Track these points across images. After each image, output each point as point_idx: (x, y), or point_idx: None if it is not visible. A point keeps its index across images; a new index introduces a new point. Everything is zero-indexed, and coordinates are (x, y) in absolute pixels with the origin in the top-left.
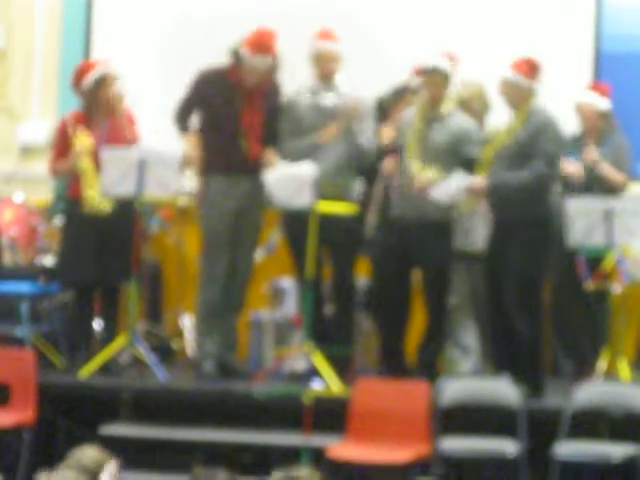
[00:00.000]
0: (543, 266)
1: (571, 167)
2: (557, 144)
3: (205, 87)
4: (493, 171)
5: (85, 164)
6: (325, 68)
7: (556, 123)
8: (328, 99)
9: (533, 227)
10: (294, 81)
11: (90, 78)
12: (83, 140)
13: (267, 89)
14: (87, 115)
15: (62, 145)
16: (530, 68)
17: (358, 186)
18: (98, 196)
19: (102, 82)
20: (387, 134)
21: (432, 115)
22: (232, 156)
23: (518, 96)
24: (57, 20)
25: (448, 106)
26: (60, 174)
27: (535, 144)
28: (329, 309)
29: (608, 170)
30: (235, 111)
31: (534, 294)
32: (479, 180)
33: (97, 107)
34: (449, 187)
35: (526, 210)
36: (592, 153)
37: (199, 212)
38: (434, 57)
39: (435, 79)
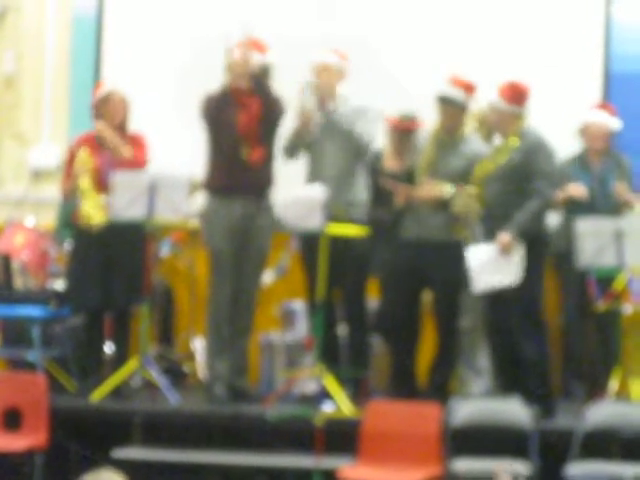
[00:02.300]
0: (541, 285)
1: (575, 190)
2: (552, 163)
3: (207, 109)
4: (488, 192)
5: (82, 182)
6: (323, 80)
7: (547, 143)
8: (332, 113)
9: (529, 247)
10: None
11: (97, 97)
12: (82, 158)
13: (265, 101)
14: (97, 137)
15: (70, 166)
16: (514, 93)
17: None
18: (92, 211)
19: (107, 100)
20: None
21: (446, 140)
22: (234, 173)
23: (502, 121)
24: (67, 45)
25: (462, 131)
26: (69, 194)
27: (530, 164)
28: (342, 330)
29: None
30: (231, 119)
31: (536, 314)
32: (504, 237)
33: (111, 124)
34: (492, 279)
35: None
36: (623, 190)
37: (203, 232)
38: (449, 87)
39: (449, 109)
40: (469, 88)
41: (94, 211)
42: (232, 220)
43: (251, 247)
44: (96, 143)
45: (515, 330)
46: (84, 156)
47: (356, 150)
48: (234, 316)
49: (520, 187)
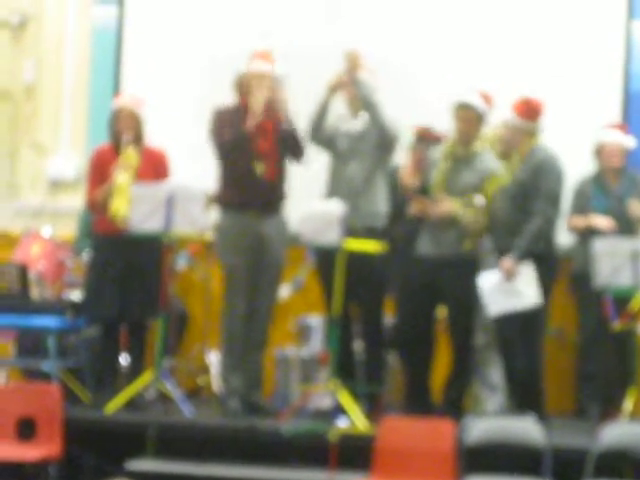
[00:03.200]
0: (546, 302)
1: (603, 223)
2: (557, 182)
3: (219, 123)
4: (494, 210)
5: (122, 177)
6: (349, 92)
7: (555, 161)
8: (355, 125)
9: (538, 264)
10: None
11: (112, 109)
12: (129, 154)
13: (276, 116)
14: (113, 148)
15: (98, 175)
16: (528, 108)
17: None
18: (122, 207)
19: (118, 114)
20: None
21: (461, 154)
22: (248, 189)
23: (515, 137)
24: (86, 54)
25: (477, 145)
26: (98, 204)
27: (536, 183)
28: (358, 346)
29: None
30: (247, 138)
31: (533, 330)
32: (506, 263)
33: (119, 140)
34: (507, 303)
35: (531, 248)
36: (637, 207)
37: (216, 247)
38: (468, 93)
39: (467, 115)
40: (488, 99)
41: (124, 208)
42: (246, 235)
43: (265, 262)
44: (112, 155)
45: (509, 344)
46: (131, 153)
47: (385, 144)
48: (249, 331)
49: (525, 205)
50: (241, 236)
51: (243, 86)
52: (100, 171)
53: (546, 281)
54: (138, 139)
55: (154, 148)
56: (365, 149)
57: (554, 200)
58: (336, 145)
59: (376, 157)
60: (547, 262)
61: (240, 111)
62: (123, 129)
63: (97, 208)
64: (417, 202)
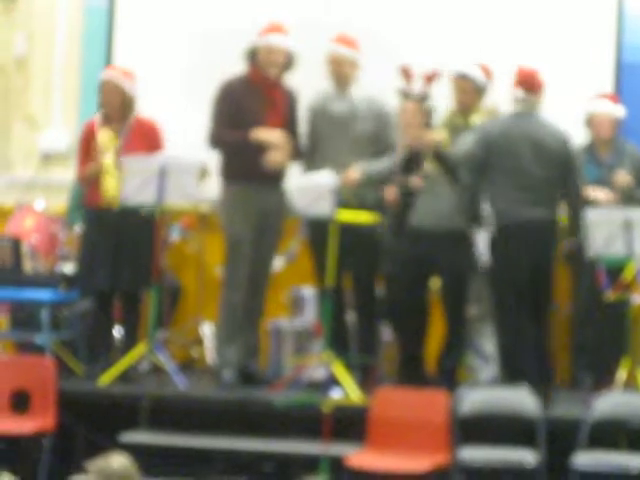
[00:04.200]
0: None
1: (601, 195)
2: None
3: (228, 96)
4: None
5: (107, 158)
6: (338, 72)
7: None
8: (338, 107)
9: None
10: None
11: (98, 84)
12: (105, 137)
13: (287, 93)
14: (104, 121)
15: (86, 149)
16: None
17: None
18: (115, 188)
19: (101, 89)
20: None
21: (459, 124)
22: (256, 162)
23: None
24: (78, 28)
25: (477, 118)
26: (87, 178)
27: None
28: (351, 317)
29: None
30: (258, 112)
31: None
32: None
33: (108, 112)
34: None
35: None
36: (623, 177)
37: (221, 219)
38: (467, 64)
39: (465, 86)
40: (487, 72)
41: (113, 188)
42: (251, 206)
43: (267, 232)
44: (105, 125)
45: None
46: (106, 135)
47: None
48: (249, 300)
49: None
50: (247, 207)
51: (255, 57)
52: (88, 145)
53: (550, 250)
54: (125, 112)
55: (146, 120)
56: (354, 129)
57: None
58: (322, 125)
59: (368, 140)
60: (552, 231)
61: (249, 83)
62: (107, 102)
63: (87, 183)
64: (390, 191)
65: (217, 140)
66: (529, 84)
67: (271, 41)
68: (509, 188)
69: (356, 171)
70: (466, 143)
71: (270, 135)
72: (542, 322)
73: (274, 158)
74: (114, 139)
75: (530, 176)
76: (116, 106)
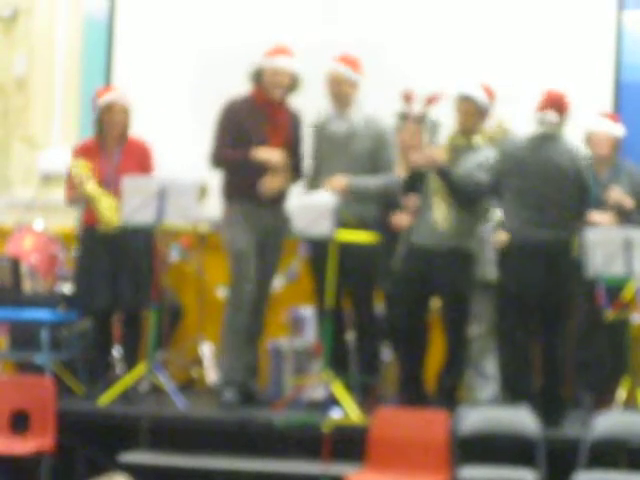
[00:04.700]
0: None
1: (603, 219)
2: None
3: (231, 115)
4: None
5: (89, 188)
6: (337, 91)
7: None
8: (337, 126)
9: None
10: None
11: (99, 104)
12: (78, 168)
13: (290, 115)
14: (99, 142)
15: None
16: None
17: (375, 213)
18: (109, 213)
19: (109, 109)
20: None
21: (461, 145)
22: (257, 181)
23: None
24: (78, 48)
25: (479, 139)
26: (74, 202)
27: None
28: (350, 336)
29: (631, 204)
30: (261, 133)
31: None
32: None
33: (107, 134)
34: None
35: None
36: (616, 194)
37: (223, 238)
38: (470, 85)
39: (467, 107)
40: (490, 93)
41: (110, 213)
42: (254, 224)
43: (268, 251)
44: (98, 149)
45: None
46: (80, 165)
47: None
48: (253, 319)
49: None
50: (249, 224)
51: (260, 78)
52: None
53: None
54: (126, 133)
55: (138, 140)
56: (352, 149)
57: None
58: (322, 146)
59: (366, 158)
60: (565, 252)
61: (253, 103)
62: (115, 123)
63: (74, 204)
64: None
65: (218, 159)
66: (558, 106)
67: (277, 63)
68: (524, 208)
69: (342, 180)
70: (489, 158)
71: (270, 155)
72: (553, 343)
73: (270, 185)
74: (86, 167)
75: (546, 198)
76: (122, 127)
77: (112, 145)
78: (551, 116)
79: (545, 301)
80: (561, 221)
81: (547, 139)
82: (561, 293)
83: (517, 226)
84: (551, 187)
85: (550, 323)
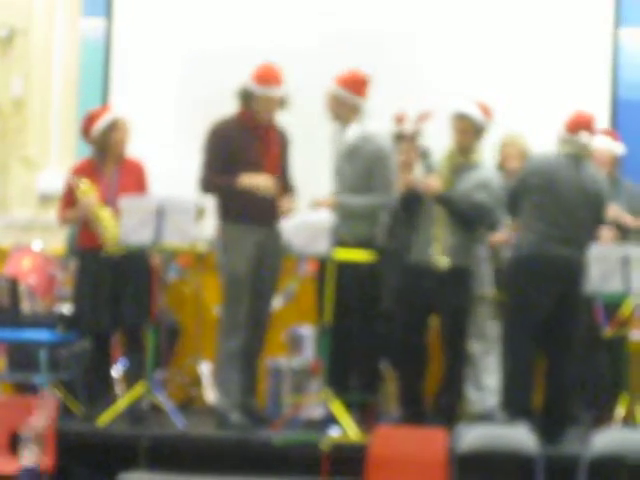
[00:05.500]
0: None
1: (607, 235)
2: None
3: (219, 140)
4: None
5: (98, 210)
6: (336, 113)
7: None
8: (337, 145)
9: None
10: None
11: (101, 124)
12: (85, 190)
13: (279, 133)
14: (97, 162)
15: (70, 194)
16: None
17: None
18: (116, 234)
19: (113, 127)
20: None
21: (461, 163)
22: (249, 202)
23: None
24: (74, 69)
25: (477, 157)
26: (68, 222)
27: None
28: (351, 355)
29: (631, 221)
30: (253, 155)
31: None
32: None
33: (107, 153)
34: None
35: None
36: (615, 211)
37: (219, 260)
38: (466, 103)
39: (464, 126)
40: (487, 111)
41: (116, 232)
42: (249, 245)
43: (266, 271)
44: (95, 170)
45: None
46: (86, 187)
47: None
48: (249, 340)
49: None
50: (244, 246)
51: (249, 100)
52: (72, 190)
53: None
54: (122, 152)
55: (133, 159)
56: (347, 168)
57: None
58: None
59: (360, 177)
60: (578, 269)
61: (241, 124)
62: (120, 142)
63: (67, 224)
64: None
65: (207, 186)
66: (589, 128)
67: (269, 93)
68: (543, 223)
69: (327, 198)
70: (489, 178)
71: (257, 181)
72: (561, 359)
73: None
74: (92, 190)
75: (568, 216)
76: (123, 145)
77: (110, 164)
78: (584, 138)
79: (555, 317)
80: (578, 239)
81: (578, 159)
82: (573, 310)
83: (534, 240)
84: (575, 206)
85: (559, 339)
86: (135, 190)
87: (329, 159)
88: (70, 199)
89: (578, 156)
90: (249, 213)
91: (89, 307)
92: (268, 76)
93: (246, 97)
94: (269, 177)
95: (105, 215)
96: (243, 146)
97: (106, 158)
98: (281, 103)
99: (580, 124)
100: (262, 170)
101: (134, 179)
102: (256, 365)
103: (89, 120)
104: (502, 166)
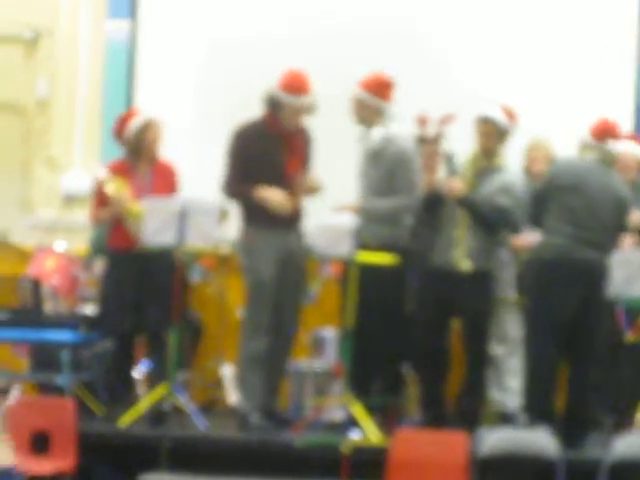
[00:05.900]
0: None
1: (627, 241)
2: None
3: (244, 142)
4: None
5: (132, 206)
6: (361, 116)
7: None
8: (361, 147)
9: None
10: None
11: (134, 125)
12: (116, 189)
13: (304, 135)
14: (130, 163)
15: (101, 194)
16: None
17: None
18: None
19: (146, 128)
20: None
21: (484, 166)
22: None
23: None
24: (99, 70)
25: (501, 160)
26: (101, 221)
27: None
28: (373, 358)
29: None
30: (277, 161)
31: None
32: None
33: (140, 154)
34: None
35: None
36: (638, 217)
37: (242, 263)
38: (491, 107)
39: (488, 129)
40: (511, 114)
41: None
42: (274, 248)
43: (292, 272)
44: (128, 171)
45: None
46: (117, 186)
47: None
48: (275, 343)
49: None
50: (269, 249)
51: (276, 107)
52: (103, 191)
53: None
54: (155, 154)
55: (165, 161)
56: (371, 171)
57: None
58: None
59: (383, 180)
60: (602, 273)
61: (266, 129)
62: (154, 142)
63: (100, 224)
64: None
65: (228, 192)
66: (616, 136)
67: (296, 102)
68: (571, 225)
69: (352, 205)
70: (513, 183)
71: (272, 197)
72: (584, 364)
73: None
74: (124, 187)
75: (596, 219)
76: (157, 146)
77: (143, 165)
78: (612, 145)
79: (578, 321)
80: (604, 243)
81: (606, 165)
82: (595, 314)
83: (560, 243)
84: (603, 210)
85: (581, 343)
86: (168, 192)
87: (354, 162)
88: (102, 199)
89: (607, 162)
90: (272, 217)
91: (114, 308)
92: (296, 85)
93: (272, 104)
94: (285, 195)
95: (137, 210)
96: (267, 152)
97: (139, 159)
98: (308, 110)
99: (606, 131)
100: (285, 176)
101: (167, 182)
102: (282, 368)
103: (122, 121)
104: (528, 170)
